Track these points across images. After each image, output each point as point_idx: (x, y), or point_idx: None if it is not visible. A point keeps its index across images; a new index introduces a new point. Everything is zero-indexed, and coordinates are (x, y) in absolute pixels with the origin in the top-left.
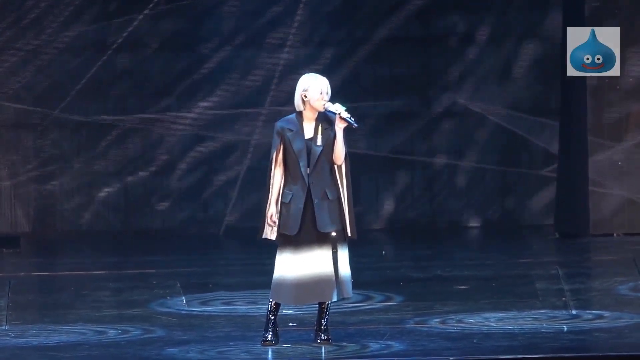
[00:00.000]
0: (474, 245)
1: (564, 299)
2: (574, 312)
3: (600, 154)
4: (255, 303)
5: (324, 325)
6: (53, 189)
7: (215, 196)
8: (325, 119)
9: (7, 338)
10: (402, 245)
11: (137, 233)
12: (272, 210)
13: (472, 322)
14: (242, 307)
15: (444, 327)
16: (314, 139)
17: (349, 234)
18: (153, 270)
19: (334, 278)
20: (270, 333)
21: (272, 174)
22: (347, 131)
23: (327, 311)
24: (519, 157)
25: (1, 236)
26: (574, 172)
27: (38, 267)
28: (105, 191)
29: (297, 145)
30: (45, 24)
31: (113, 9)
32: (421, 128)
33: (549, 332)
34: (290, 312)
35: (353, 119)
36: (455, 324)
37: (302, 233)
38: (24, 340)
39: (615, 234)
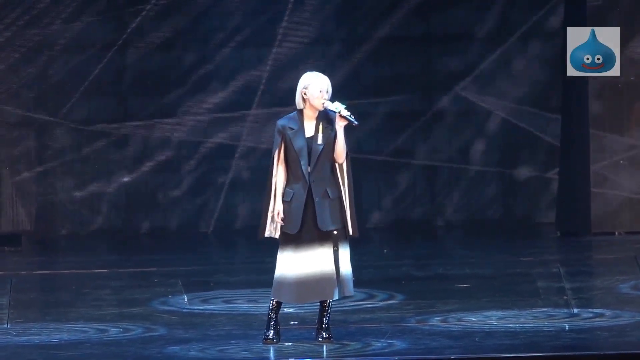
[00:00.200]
0: (475, 244)
1: (565, 297)
2: (575, 310)
3: (601, 153)
4: (256, 301)
5: (326, 324)
6: (54, 187)
7: (216, 194)
8: (325, 118)
9: (9, 336)
10: (404, 244)
11: (138, 231)
12: (279, 207)
13: (473, 321)
14: (243, 306)
15: (446, 325)
16: (314, 137)
17: (351, 232)
18: (154, 269)
19: (335, 276)
20: (272, 331)
21: (274, 173)
22: (348, 130)
23: (328, 309)
24: (520, 156)
25: (3, 234)
26: (575, 170)
27: (39, 265)
28: (107, 189)
29: (298, 144)
30: (47, 22)
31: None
32: (422, 126)
33: (551, 331)
34: (291, 310)
35: (353, 117)
36: (457, 323)
37: (303, 231)
38: (25, 338)
39: (616, 233)
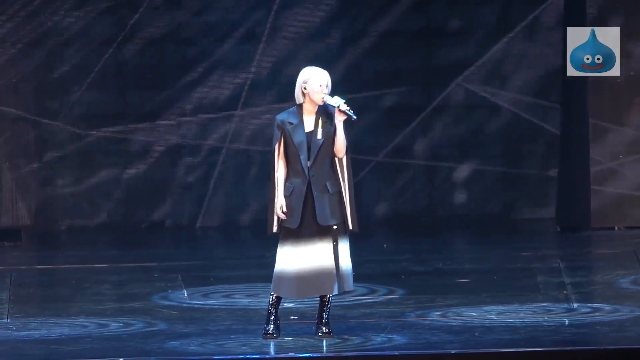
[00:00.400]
0: (475, 239)
1: (565, 292)
2: (575, 305)
3: (601, 148)
4: (256, 296)
5: (325, 319)
6: (54, 182)
7: (215, 190)
8: (325, 112)
9: (9, 331)
10: (403, 238)
11: (138, 226)
12: (282, 202)
13: (473, 316)
14: (243, 300)
15: (446, 320)
16: (314, 132)
17: (350, 227)
18: (154, 264)
19: (334, 271)
20: (272, 326)
21: (275, 167)
22: (347, 126)
23: (328, 304)
24: (520, 151)
25: (2, 229)
26: (575, 165)
27: (39, 260)
28: (107, 184)
29: (297, 138)
30: (47, 15)
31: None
32: (422, 120)
33: (550, 325)
34: (291, 305)
35: (352, 112)
36: (457, 317)
37: (303, 226)
38: (25, 333)
39: (616, 228)
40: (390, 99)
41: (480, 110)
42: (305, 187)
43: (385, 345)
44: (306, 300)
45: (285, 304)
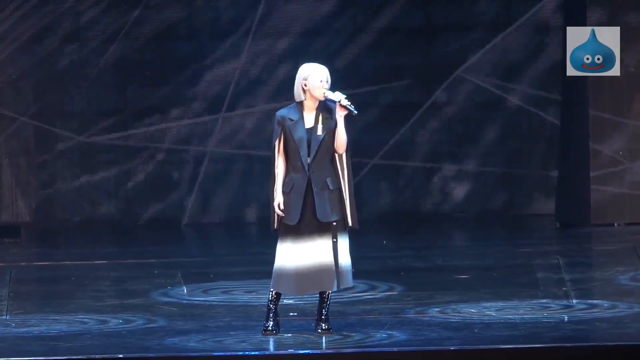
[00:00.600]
0: (475, 235)
1: (564, 288)
2: (574, 301)
3: (600, 144)
4: (255, 292)
5: (325, 315)
6: (54, 179)
7: (215, 185)
8: (325, 109)
9: (8, 328)
10: (403, 235)
11: (138, 223)
12: (279, 199)
13: (472, 312)
14: (242, 297)
15: (445, 316)
16: (314, 128)
17: (350, 224)
18: (154, 260)
19: (334, 268)
20: (271, 322)
21: (275, 164)
22: (347, 123)
23: (327, 301)
24: (519, 147)
25: (2, 226)
26: (574, 161)
27: (39, 256)
28: (106, 181)
29: (297, 135)
30: (45, 12)
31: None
32: (422, 116)
33: (550, 322)
34: (291, 301)
35: (353, 106)
36: (456, 314)
37: (303, 223)
38: (25, 329)
39: (615, 224)
40: (389, 95)
41: (480, 106)
42: (305, 184)
43: (385, 341)
44: (305, 296)
45: (284, 301)
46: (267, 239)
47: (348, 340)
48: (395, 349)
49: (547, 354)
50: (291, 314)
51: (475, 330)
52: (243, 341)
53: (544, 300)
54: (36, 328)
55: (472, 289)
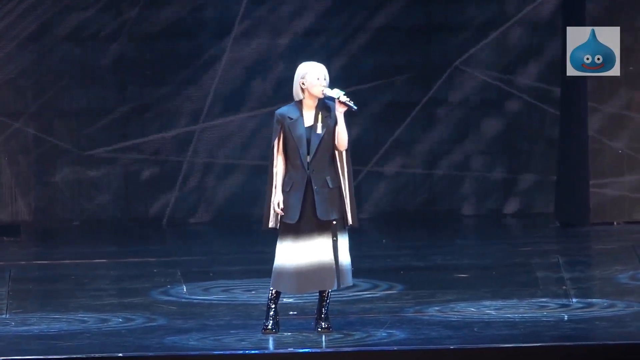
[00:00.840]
0: (474, 234)
1: (564, 287)
2: (574, 300)
3: (600, 143)
4: (255, 291)
5: (325, 314)
6: (53, 177)
7: (216, 183)
8: (325, 107)
9: (8, 326)
10: (403, 234)
11: (137, 221)
12: (279, 198)
13: (472, 311)
14: (242, 296)
15: (445, 315)
16: (314, 126)
17: (350, 222)
18: (153, 259)
19: (334, 266)
20: (271, 321)
21: (274, 163)
22: (349, 121)
23: (327, 299)
24: (519, 146)
25: (2, 225)
26: (574, 160)
27: (38, 255)
28: (106, 179)
29: (297, 133)
30: (44, 10)
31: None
32: (421, 115)
33: (550, 321)
34: (290, 300)
35: (352, 102)
36: (456, 313)
37: (303, 221)
38: (24, 328)
39: (615, 223)
40: (388, 93)
41: (479, 104)
42: (305, 182)
43: (385, 340)
44: (305, 295)
45: (284, 299)
46: (267, 237)
47: (348, 339)
48: (395, 348)
49: (546, 352)
50: (291, 312)
51: (475, 329)
52: (243, 340)
53: (544, 299)
54: (36, 327)
55: (472, 288)
